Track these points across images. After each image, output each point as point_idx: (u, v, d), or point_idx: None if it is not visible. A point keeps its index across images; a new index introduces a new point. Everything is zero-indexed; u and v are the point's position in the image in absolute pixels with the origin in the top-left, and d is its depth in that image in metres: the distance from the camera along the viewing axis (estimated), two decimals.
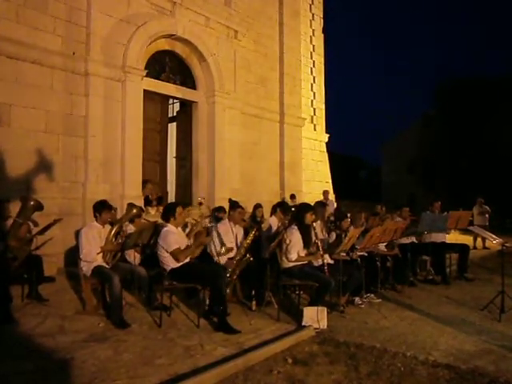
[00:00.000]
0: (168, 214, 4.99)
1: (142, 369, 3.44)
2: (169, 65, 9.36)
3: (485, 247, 11.97)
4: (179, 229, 5.06)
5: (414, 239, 7.45)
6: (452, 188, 21.77)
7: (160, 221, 5.92)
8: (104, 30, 7.62)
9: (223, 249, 5.12)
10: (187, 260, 4.85)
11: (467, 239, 11.30)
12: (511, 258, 8.03)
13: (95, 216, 5.06)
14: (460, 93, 24.66)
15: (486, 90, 23.47)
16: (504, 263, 5.61)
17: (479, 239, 12.12)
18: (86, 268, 4.83)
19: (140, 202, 7.40)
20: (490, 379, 3.44)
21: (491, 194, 15.26)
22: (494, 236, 5.87)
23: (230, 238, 5.49)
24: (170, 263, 4.74)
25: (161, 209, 8.11)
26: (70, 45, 7.25)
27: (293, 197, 10.88)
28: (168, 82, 9.26)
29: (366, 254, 6.23)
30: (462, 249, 7.77)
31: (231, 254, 5.32)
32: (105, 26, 7.62)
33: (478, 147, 23.23)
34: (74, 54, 7.26)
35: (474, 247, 11.52)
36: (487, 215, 12.33)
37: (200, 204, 6.84)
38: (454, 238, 10.55)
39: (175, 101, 10.33)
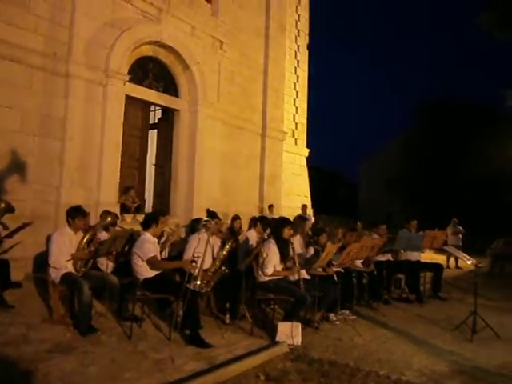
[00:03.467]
0: (151, 222, 4.90)
1: (109, 383, 3.31)
2: (152, 71, 9.27)
3: (457, 267, 12.18)
4: (155, 239, 4.95)
5: (389, 257, 7.49)
6: (428, 207, 22.15)
7: (135, 229, 5.80)
8: (87, 32, 7.49)
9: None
10: (161, 270, 4.74)
11: (441, 258, 11.48)
12: (483, 279, 8.17)
13: (68, 221, 4.91)
14: (438, 113, 25.26)
15: (466, 112, 24.12)
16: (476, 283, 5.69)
17: (452, 259, 12.32)
18: (54, 275, 4.66)
19: (116, 209, 7.23)
20: None
21: (464, 214, 15.58)
22: (467, 256, 5.95)
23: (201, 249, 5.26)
24: (144, 272, 4.62)
25: (138, 217, 7.97)
26: (51, 45, 7.09)
27: (271, 206, 10.90)
28: (151, 88, 9.17)
29: (342, 270, 6.22)
30: (436, 268, 7.86)
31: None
32: (88, 28, 7.50)
33: (454, 168, 23.77)
34: (55, 54, 7.10)
35: (447, 266, 11.69)
36: (461, 235, 12.56)
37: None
38: (428, 256, 10.70)
39: (157, 108, 10.23)
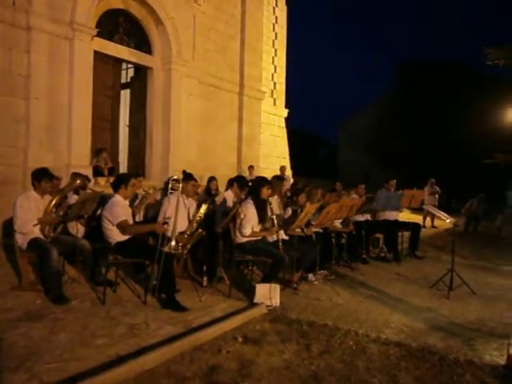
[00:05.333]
0: (120, 183, 4.66)
1: (80, 350, 3.17)
2: (122, 26, 8.74)
3: (433, 226, 12.37)
4: (126, 201, 4.73)
5: (368, 217, 7.48)
6: (405, 168, 22.30)
7: (109, 192, 5.56)
8: None
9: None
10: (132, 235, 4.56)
11: (417, 218, 11.61)
12: (457, 237, 8.24)
13: (33, 185, 4.62)
14: (419, 74, 25.05)
15: (445, 72, 23.97)
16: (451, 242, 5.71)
17: (428, 218, 12.50)
18: (21, 240, 4.43)
19: (88, 172, 6.92)
20: (440, 356, 3.45)
21: (441, 175, 15.72)
22: (446, 215, 5.94)
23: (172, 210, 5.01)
24: (116, 236, 4.42)
25: (111, 180, 7.69)
26: None
27: (250, 167, 10.70)
28: (121, 44, 8.67)
29: (321, 231, 6.16)
30: (414, 227, 7.90)
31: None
32: None
33: (432, 129, 23.86)
34: (13, 3, 6.55)
35: (424, 226, 11.85)
36: (437, 195, 12.70)
37: None
38: (405, 216, 10.78)
39: (129, 66, 9.74)
